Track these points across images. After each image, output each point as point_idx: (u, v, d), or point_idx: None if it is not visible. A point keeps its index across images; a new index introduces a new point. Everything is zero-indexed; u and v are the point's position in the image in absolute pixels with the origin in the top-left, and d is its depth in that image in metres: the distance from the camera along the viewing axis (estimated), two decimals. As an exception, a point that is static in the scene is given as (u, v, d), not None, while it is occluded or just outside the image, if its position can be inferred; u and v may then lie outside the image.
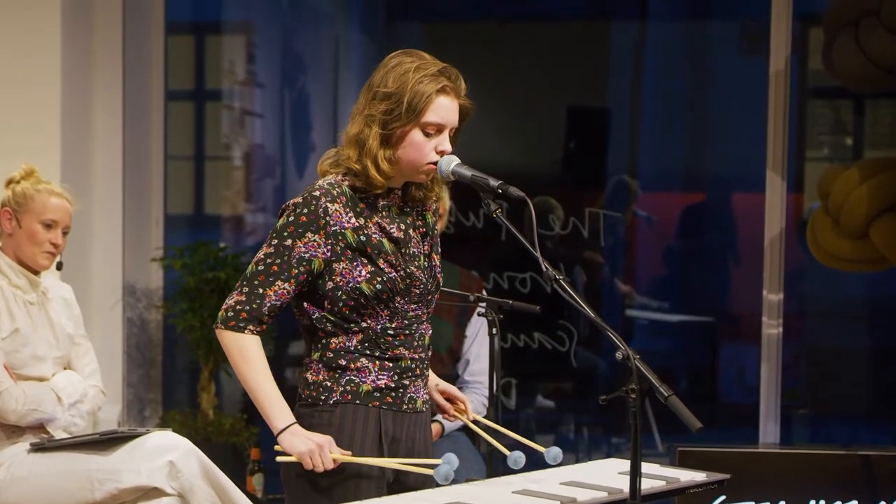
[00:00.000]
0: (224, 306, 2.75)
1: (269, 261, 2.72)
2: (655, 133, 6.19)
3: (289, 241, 2.71)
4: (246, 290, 2.73)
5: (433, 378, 2.99)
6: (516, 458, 2.80)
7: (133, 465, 3.52)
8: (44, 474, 3.59)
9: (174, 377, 6.01)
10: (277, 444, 2.71)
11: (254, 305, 2.71)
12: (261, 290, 2.71)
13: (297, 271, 2.71)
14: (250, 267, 2.75)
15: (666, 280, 6.17)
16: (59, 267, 3.93)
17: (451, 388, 3.01)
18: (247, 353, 2.71)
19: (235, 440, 5.43)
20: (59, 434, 3.75)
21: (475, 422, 3.04)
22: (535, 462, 2.86)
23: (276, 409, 2.70)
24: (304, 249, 2.70)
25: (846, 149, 6.15)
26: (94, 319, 5.37)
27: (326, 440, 2.69)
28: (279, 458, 2.70)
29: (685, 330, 6.07)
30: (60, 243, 3.81)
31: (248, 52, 6.52)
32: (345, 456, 2.70)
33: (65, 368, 3.87)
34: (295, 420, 2.71)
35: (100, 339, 5.24)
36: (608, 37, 6.31)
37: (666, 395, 2.39)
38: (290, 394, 2.82)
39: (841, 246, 4.88)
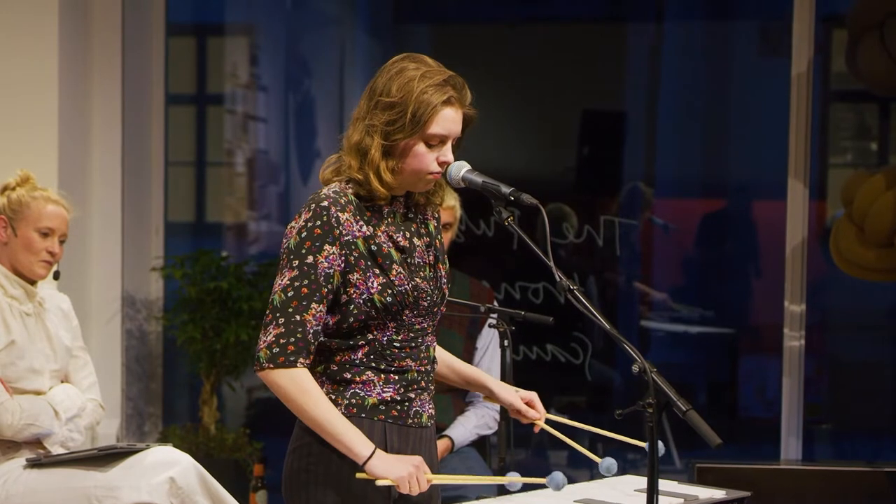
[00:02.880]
0: (263, 344, 2.67)
1: (296, 284, 2.67)
2: (673, 138, 6.19)
3: (310, 259, 2.67)
4: (282, 320, 2.66)
5: (499, 384, 2.98)
6: (608, 465, 2.79)
7: (132, 482, 3.52)
8: (40, 491, 3.60)
9: (175, 391, 6.02)
10: (362, 472, 2.66)
11: (297, 335, 2.66)
12: (298, 318, 2.66)
13: (326, 290, 2.68)
14: (277, 296, 2.68)
15: (684, 290, 6.17)
16: (57, 276, 3.94)
17: (532, 395, 2.99)
18: (306, 387, 2.66)
19: (238, 456, 5.44)
20: (56, 449, 3.76)
21: (550, 423, 3.03)
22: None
23: (355, 439, 2.66)
24: (327, 265, 2.67)
25: (871, 154, 6.14)
26: (93, 331, 5.39)
27: (419, 461, 2.68)
28: (379, 483, 2.65)
29: (704, 342, 6.06)
30: (57, 252, 3.82)
31: (251, 55, 6.53)
32: (437, 477, 2.71)
33: (62, 381, 3.88)
34: (374, 445, 2.67)
35: (98, 352, 5.25)
36: (624, 38, 6.31)
37: (684, 409, 2.40)
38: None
39: (865, 255, 4.88)
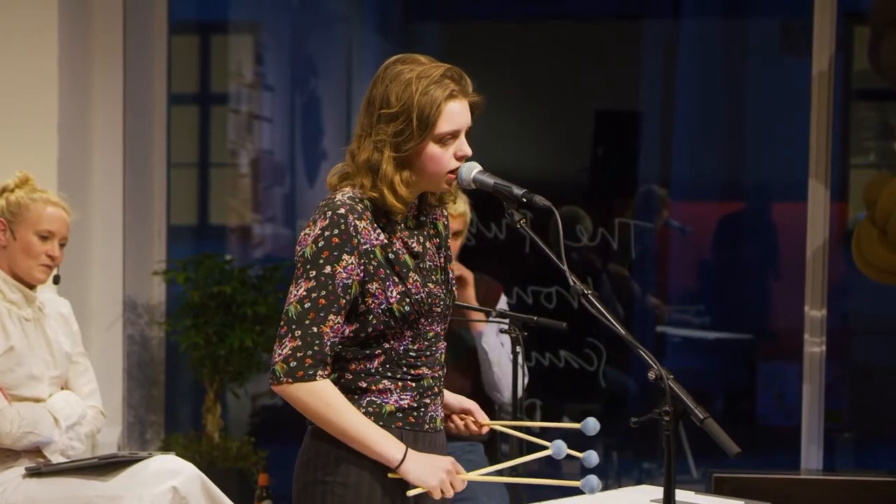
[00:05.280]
0: (279, 357, 2.66)
1: (313, 295, 2.65)
2: (690, 138, 6.18)
3: (328, 269, 2.66)
4: (298, 332, 2.65)
5: (451, 397, 2.98)
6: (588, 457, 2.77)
7: (134, 491, 3.52)
8: (40, 500, 3.60)
9: (177, 398, 6.02)
10: (394, 473, 2.68)
11: (315, 348, 2.65)
12: (315, 330, 2.65)
13: (344, 301, 2.67)
14: (293, 307, 2.66)
15: (700, 294, 6.16)
16: (56, 281, 3.94)
17: (465, 402, 2.97)
18: (329, 399, 2.66)
19: (242, 465, 5.44)
20: (56, 458, 3.76)
21: (504, 426, 3.02)
22: (564, 490, 2.86)
23: (386, 444, 2.67)
24: (345, 275, 2.66)
25: (894, 154, 6.14)
26: (93, 336, 5.39)
27: (451, 463, 2.70)
28: (410, 493, 2.68)
29: (721, 348, 6.06)
30: (57, 256, 3.82)
31: (256, 53, 6.54)
32: (471, 474, 2.73)
33: (62, 388, 3.88)
34: (405, 445, 2.69)
35: (99, 358, 5.25)
36: (639, 36, 6.31)
37: (701, 417, 2.39)
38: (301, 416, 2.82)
39: (888, 258, 4.87)
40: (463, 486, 2.70)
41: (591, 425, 2.75)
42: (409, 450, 2.68)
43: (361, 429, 2.67)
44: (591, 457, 2.71)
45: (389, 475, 2.69)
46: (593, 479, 2.64)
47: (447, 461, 2.70)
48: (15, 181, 3.84)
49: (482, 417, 2.98)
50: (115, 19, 5.50)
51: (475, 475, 2.76)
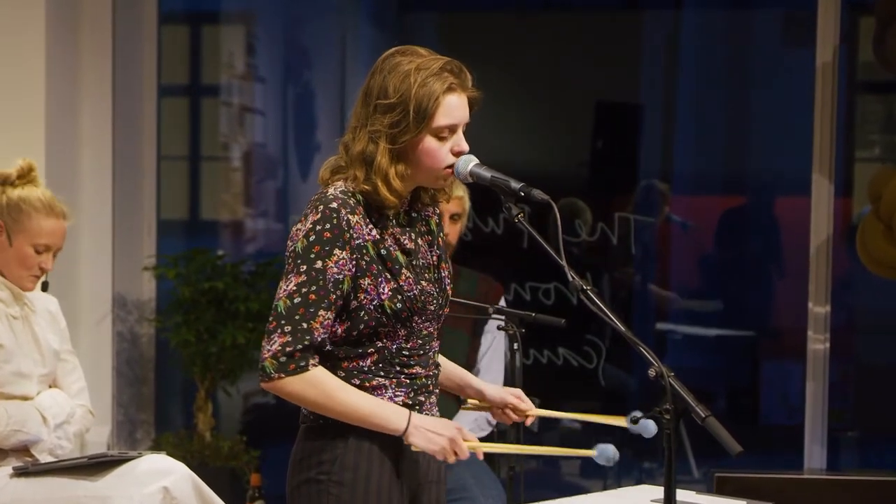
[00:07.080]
0: (268, 354, 2.66)
1: (304, 290, 2.65)
2: (691, 131, 6.19)
3: (319, 263, 2.66)
4: (288, 328, 2.65)
5: (487, 384, 2.99)
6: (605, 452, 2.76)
7: (124, 491, 3.53)
8: (28, 500, 3.60)
9: (168, 396, 6.03)
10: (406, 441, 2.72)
11: (305, 343, 2.65)
12: (305, 325, 2.65)
13: (335, 296, 2.67)
14: (282, 302, 2.66)
15: (702, 291, 6.17)
16: (45, 288, 3.95)
17: (517, 390, 2.99)
18: (323, 385, 2.67)
19: (234, 464, 5.45)
20: (44, 457, 3.76)
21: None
22: (562, 490, 2.87)
23: (387, 415, 2.70)
24: (336, 270, 2.67)
25: (899, 148, 6.15)
26: (82, 333, 5.39)
27: (455, 429, 2.71)
28: (415, 448, 2.73)
29: (723, 345, 6.06)
30: (49, 267, 3.82)
31: (249, 44, 6.54)
32: (479, 445, 2.74)
33: (50, 386, 3.89)
34: (408, 410, 2.72)
35: (87, 355, 5.26)
36: (640, 27, 6.31)
37: (703, 416, 2.40)
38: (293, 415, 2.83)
39: (893, 254, 4.88)
40: (466, 454, 2.71)
41: (611, 453, 2.72)
42: (413, 417, 2.70)
43: (361, 405, 2.68)
44: (608, 451, 2.70)
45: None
46: (609, 449, 2.64)
47: (450, 430, 2.71)
48: (17, 170, 3.81)
49: (527, 405, 2.97)
50: (104, 9, 5.50)
51: (484, 447, 2.76)
